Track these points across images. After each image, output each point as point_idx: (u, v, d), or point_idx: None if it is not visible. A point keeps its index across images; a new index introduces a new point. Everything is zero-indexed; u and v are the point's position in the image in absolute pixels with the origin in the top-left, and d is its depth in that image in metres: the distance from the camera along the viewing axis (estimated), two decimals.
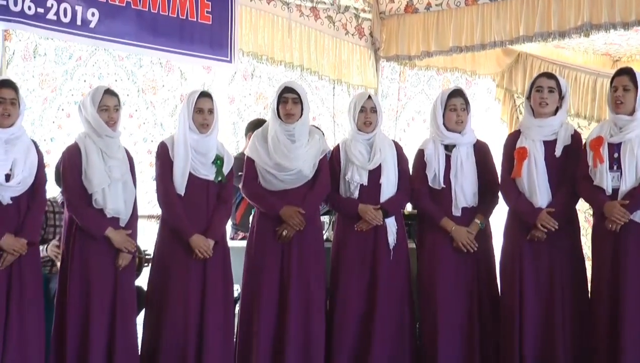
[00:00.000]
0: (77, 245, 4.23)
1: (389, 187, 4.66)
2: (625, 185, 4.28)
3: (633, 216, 4.25)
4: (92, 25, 5.38)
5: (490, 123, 8.12)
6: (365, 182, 4.64)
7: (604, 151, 4.33)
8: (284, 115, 4.56)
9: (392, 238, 4.64)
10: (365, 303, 4.59)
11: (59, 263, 4.44)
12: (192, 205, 4.40)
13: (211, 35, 6.06)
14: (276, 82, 6.83)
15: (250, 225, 4.80)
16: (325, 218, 4.95)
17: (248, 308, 4.53)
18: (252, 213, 4.92)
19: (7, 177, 4.05)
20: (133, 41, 5.64)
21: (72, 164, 4.26)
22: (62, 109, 5.74)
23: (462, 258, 4.60)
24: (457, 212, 4.62)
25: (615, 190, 4.30)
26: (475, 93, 8.08)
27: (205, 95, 4.50)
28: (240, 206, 5.47)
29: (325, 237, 4.86)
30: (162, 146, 4.48)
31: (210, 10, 6.03)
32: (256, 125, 5.39)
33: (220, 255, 4.44)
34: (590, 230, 4.57)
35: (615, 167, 4.32)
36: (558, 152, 4.51)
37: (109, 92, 4.35)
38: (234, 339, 4.57)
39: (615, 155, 4.32)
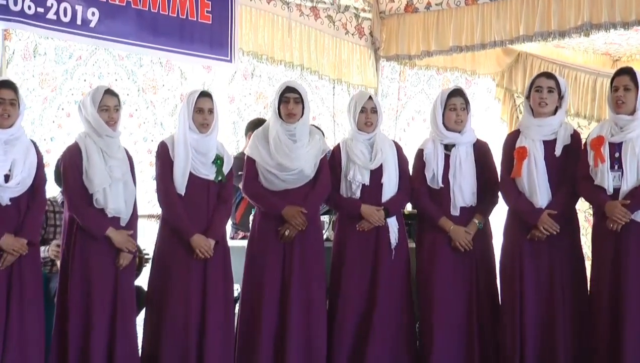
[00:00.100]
0: (77, 245, 4.23)
1: (390, 186, 4.66)
2: (627, 184, 4.28)
3: (634, 216, 4.25)
4: (92, 24, 5.37)
5: (490, 122, 8.12)
6: (367, 181, 4.64)
7: (605, 151, 4.33)
8: (286, 115, 4.56)
9: (394, 237, 4.64)
10: (366, 303, 4.60)
11: (59, 264, 4.44)
12: (193, 205, 4.40)
13: (211, 35, 6.05)
14: (276, 81, 6.83)
15: (250, 224, 4.81)
16: (324, 218, 4.95)
17: (249, 308, 4.53)
18: (252, 212, 4.93)
19: (6, 178, 4.05)
20: (133, 41, 5.63)
21: (72, 164, 4.26)
22: (62, 109, 5.73)
23: (460, 258, 4.61)
24: (455, 212, 4.62)
25: (616, 190, 4.30)
26: (475, 92, 8.07)
27: (205, 95, 4.50)
28: (240, 206, 5.48)
29: (325, 236, 4.87)
30: (163, 146, 4.47)
31: (210, 9, 6.03)
32: (256, 124, 5.39)
33: (220, 255, 4.45)
34: (590, 230, 4.57)
35: (616, 167, 4.32)
36: (558, 151, 4.51)
37: (109, 92, 4.35)
38: (234, 338, 4.58)
39: (617, 154, 4.32)
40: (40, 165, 4.22)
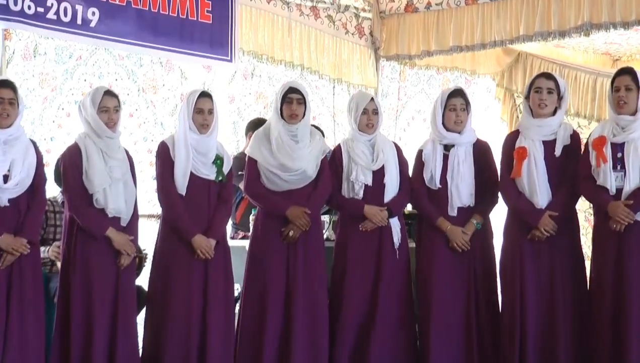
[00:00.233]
0: (78, 245, 4.23)
1: (392, 187, 4.67)
2: (630, 185, 4.28)
3: (637, 216, 4.25)
4: (92, 24, 5.36)
5: (489, 122, 8.11)
6: (370, 182, 4.64)
7: (607, 151, 4.32)
8: (289, 115, 4.56)
9: (397, 237, 4.65)
10: (368, 303, 4.60)
11: (59, 264, 4.44)
12: (194, 205, 4.40)
13: (211, 35, 6.05)
14: (276, 81, 6.83)
15: (250, 224, 4.81)
16: (324, 218, 4.95)
17: (253, 308, 4.52)
18: (252, 213, 4.93)
19: (5, 178, 4.05)
20: (133, 40, 5.63)
21: (72, 164, 4.26)
22: (62, 108, 5.73)
23: (458, 258, 4.61)
24: (452, 212, 4.63)
25: (619, 190, 4.30)
26: (474, 92, 8.07)
27: (205, 95, 4.50)
28: (241, 206, 5.48)
29: (325, 236, 4.87)
30: (163, 146, 4.47)
31: (210, 9, 6.02)
32: (256, 124, 5.39)
33: (221, 255, 4.45)
34: (590, 230, 4.58)
35: (618, 167, 4.32)
36: (558, 151, 4.52)
37: (108, 93, 4.35)
38: (234, 338, 4.58)
39: (619, 154, 4.33)
40: (40, 165, 4.22)
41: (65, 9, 5.24)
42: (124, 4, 5.55)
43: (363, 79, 7.30)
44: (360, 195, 4.65)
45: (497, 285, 4.70)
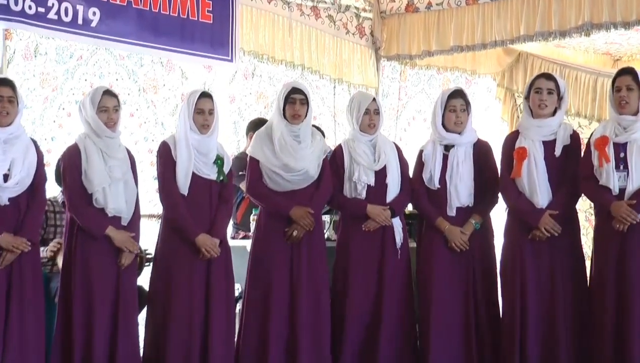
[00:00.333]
0: (78, 245, 4.23)
1: (394, 187, 4.68)
2: (633, 185, 4.28)
3: None
4: (93, 24, 5.36)
5: (489, 122, 8.11)
6: (372, 183, 4.64)
7: (610, 151, 4.32)
8: (291, 116, 4.57)
9: (399, 237, 4.66)
10: (372, 303, 4.61)
11: (59, 260, 4.44)
12: (196, 205, 4.40)
13: (212, 35, 6.05)
14: (277, 81, 6.83)
15: (253, 224, 4.81)
16: (325, 218, 4.95)
17: (256, 308, 4.52)
18: (253, 213, 4.93)
19: (5, 178, 4.05)
20: (134, 40, 5.62)
21: (71, 164, 4.26)
22: (63, 108, 5.74)
23: (457, 258, 4.62)
24: (451, 212, 4.63)
25: (622, 190, 4.30)
26: (475, 92, 8.07)
27: (205, 95, 4.50)
28: (241, 206, 5.48)
29: (325, 236, 4.87)
30: (164, 146, 4.47)
31: (211, 9, 6.02)
32: (257, 124, 5.39)
33: (222, 255, 4.45)
34: (590, 230, 4.58)
35: (621, 167, 4.32)
36: (558, 151, 4.52)
37: (108, 93, 4.35)
38: (235, 338, 4.58)
39: (622, 154, 4.32)
40: (40, 164, 4.21)
41: (66, 9, 5.24)
42: (125, 4, 5.55)
43: (364, 79, 7.30)
44: (363, 195, 4.65)
45: (497, 285, 4.70)
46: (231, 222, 5.31)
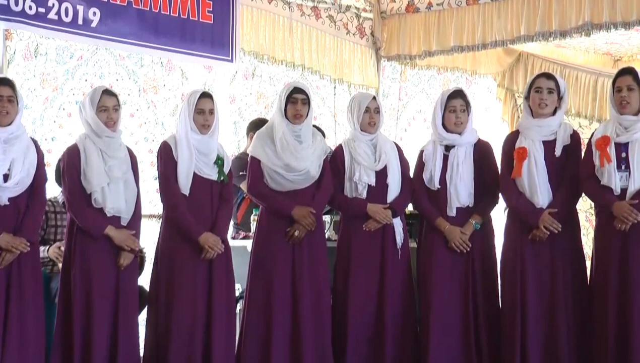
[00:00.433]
0: (78, 246, 4.23)
1: (395, 187, 4.68)
2: (634, 185, 4.28)
3: None
4: (93, 24, 5.37)
5: (490, 122, 8.11)
6: (373, 183, 4.64)
7: (611, 151, 4.32)
8: (293, 115, 4.57)
9: (399, 237, 4.66)
10: (375, 303, 4.61)
11: (59, 264, 4.43)
12: (197, 205, 4.40)
13: (212, 35, 6.05)
14: (277, 81, 6.83)
15: (254, 225, 4.81)
16: (326, 218, 4.95)
17: (258, 308, 4.51)
18: (254, 213, 4.93)
19: (5, 178, 4.04)
20: (134, 41, 5.63)
21: (71, 165, 4.26)
22: (63, 109, 5.73)
23: (458, 258, 4.62)
24: (451, 213, 4.63)
25: (623, 190, 4.30)
26: (475, 92, 8.07)
27: (206, 95, 4.50)
28: (242, 206, 5.48)
29: (326, 236, 4.87)
30: (165, 146, 4.47)
31: (211, 9, 6.02)
32: (257, 124, 5.39)
33: (223, 255, 4.45)
34: (590, 230, 4.57)
35: (623, 167, 4.32)
36: (558, 151, 4.52)
37: (107, 93, 4.35)
38: (236, 337, 4.58)
39: (623, 154, 4.32)
40: (40, 164, 4.21)
41: (67, 9, 5.24)
42: (125, 4, 5.55)
43: (364, 79, 7.30)
44: (364, 195, 4.66)
45: (497, 285, 4.70)
46: (232, 222, 5.31)
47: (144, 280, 4.58)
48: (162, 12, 5.75)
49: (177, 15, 5.84)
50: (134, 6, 5.59)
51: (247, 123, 6.15)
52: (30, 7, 5.06)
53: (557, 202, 4.47)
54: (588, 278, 4.58)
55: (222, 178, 4.49)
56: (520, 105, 8.01)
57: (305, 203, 4.52)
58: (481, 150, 4.73)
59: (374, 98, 4.78)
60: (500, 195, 4.69)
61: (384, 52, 7.35)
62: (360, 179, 4.65)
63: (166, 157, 4.43)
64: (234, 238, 5.30)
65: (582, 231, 4.75)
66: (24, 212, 4.10)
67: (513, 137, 4.70)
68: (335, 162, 4.72)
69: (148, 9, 5.67)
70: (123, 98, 4.82)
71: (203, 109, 4.43)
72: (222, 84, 6.55)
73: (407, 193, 4.73)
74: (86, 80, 5.83)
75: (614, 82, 4.44)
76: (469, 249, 4.60)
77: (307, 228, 4.52)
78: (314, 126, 4.91)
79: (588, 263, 4.62)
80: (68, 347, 4.19)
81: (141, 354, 4.44)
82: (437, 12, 6.94)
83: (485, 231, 4.68)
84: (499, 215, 4.86)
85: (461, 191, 4.62)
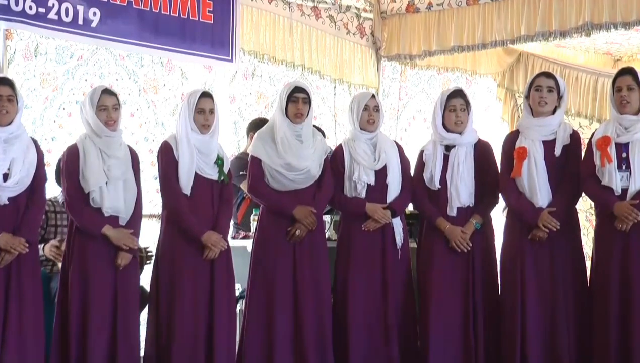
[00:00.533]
0: (76, 246, 4.23)
1: (394, 186, 4.68)
2: (635, 185, 4.28)
3: None
4: (93, 24, 5.37)
5: (489, 122, 8.12)
6: (372, 182, 4.64)
7: (612, 151, 4.32)
8: (294, 115, 4.57)
9: (399, 237, 4.66)
10: (373, 302, 4.60)
11: (59, 264, 4.43)
12: (198, 205, 4.40)
13: (212, 35, 6.05)
14: (277, 81, 6.83)
15: (254, 225, 4.81)
16: (326, 218, 4.95)
17: (259, 308, 4.51)
18: (254, 213, 4.93)
19: (5, 177, 4.04)
20: (134, 40, 5.63)
21: (69, 165, 4.26)
22: (63, 108, 5.73)
23: (458, 258, 4.61)
24: (452, 212, 4.63)
25: (624, 190, 4.30)
26: (475, 92, 8.07)
27: (206, 95, 4.50)
28: (242, 206, 5.48)
29: (326, 236, 4.87)
30: (166, 145, 4.46)
31: (211, 9, 6.02)
32: (258, 124, 5.39)
33: (224, 255, 4.45)
34: (590, 230, 4.57)
35: (624, 167, 4.32)
36: (558, 151, 4.52)
37: (107, 92, 4.34)
38: (236, 337, 4.58)
39: (624, 154, 4.32)
40: (40, 164, 4.20)
41: (67, 9, 5.24)
42: (125, 4, 5.55)
43: (364, 79, 7.30)
44: (363, 195, 4.65)
45: (497, 285, 4.69)
46: (232, 222, 5.31)
47: (144, 280, 4.57)
48: (162, 12, 5.75)
49: (177, 15, 5.85)
50: (134, 6, 5.59)
51: (247, 123, 6.15)
52: (30, 7, 5.06)
53: (557, 202, 4.47)
54: (588, 278, 4.57)
55: (222, 178, 4.49)
56: (520, 105, 8.01)
57: (306, 202, 4.52)
58: (481, 150, 4.73)
59: (374, 96, 4.78)
60: (500, 195, 4.69)
61: (384, 52, 7.36)
62: (359, 178, 4.64)
63: (167, 157, 4.43)
64: (234, 238, 5.29)
65: (582, 231, 4.75)
66: (24, 211, 4.10)
67: (513, 136, 4.70)
68: (335, 161, 4.72)
69: (148, 8, 5.67)
70: (123, 98, 4.82)
71: (203, 109, 4.43)
72: (222, 83, 6.54)
73: (407, 193, 4.73)
74: (86, 80, 5.82)
75: (613, 81, 4.44)
76: (469, 249, 4.59)
77: (308, 228, 4.52)
78: (314, 126, 4.92)
79: (588, 264, 4.62)
80: (66, 346, 4.18)
81: (141, 354, 4.43)
82: (437, 12, 6.94)
83: (485, 231, 4.68)
84: (498, 215, 4.86)
85: (462, 191, 4.62)
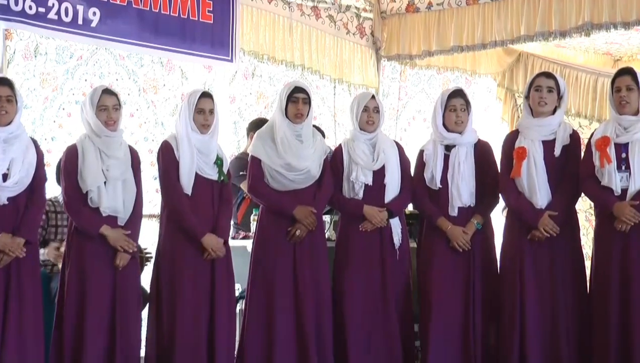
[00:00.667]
0: (74, 246, 4.23)
1: (393, 187, 4.68)
2: (635, 185, 4.28)
3: None
4: (93, 24, 5.37)
5: (489, 122, 8.12)
6: (370, 182, 4.64)
7: (611, 151, 4.32)
8: (294, 115, 4.57)
9: (397, 238, 4.66)
10: (372, 303, 4.60)
11: (60, 264, 4.43)
12: (199, 205, 4.40)
13: (212, 35, 6.05)
14: (277, 81, 6.83)
15: (254, 225, 4.81)
16: (325, 218, 4.95)
17: (260, 308, 4.51)
18: (254, 213, 4.93)
19: (4, 177, 4.04)
20: (134, 40, 5.63)
21: (68, 165, 4.26)
22: (63, 108, 5.73)
23: (458, 258, 4.61)
24: (453, 212, 4.63)
25: (623, 191, 4.29)
26: (475, 92, 8.07)
27: (206, 95, 4.50)
28: (242, 206, 5.48)
29: (326, 236, 4.87)
30: (167, 145, 4.46)
31: (211, 9, 6.03)
32: (257, 124, 5.39)
33: (225, 255, 4.44)
34: (590, 230, 4.57)
35: (623, 167, 4.32)
36: (557, 151, 4.52)
37: (107, 92, 4.34)
38: (236, 337, 4.59)
39: (623, 155, 4.32)
40: (40, 164, 4.20)
41: (66, 9, 5.24)
42: (125, 4, 5.55)
43: (364, 79, 7.31)
44: (361, 195, 4.65)
45: (497, 285, 4.69)
46: (232, 222, 5.31)
47: (144, 280, 4.57)
48: (162, 12, 5.75)
49: (177, 15, 5.85)
50: (133, 6, 5.59)
51: (247, 123, 6.15)
52: (30, 7, 5.06)
53: (557, 203, 4.47)
54: (587, 279, 4.57)
55: (222, 178, 4.49)
56: (520, 105, 8.01)
57: (306, 202, 4.52)
58: (482, 150, 4.73)
59: (373, 97, 4.78)
60: (500, 195, 4.69)
61: (384, 52, 7.36)
62: (356, 179, 4.64)
63: (168, 157, 4.42)
64: (234, 238, 5.29)
65: (582, 231, 4.75)
66: (23, 211, 4.10)
67: (512, 136, 4.70)
68: (334, 161, 4.72)
69: (148, 8, 5.67)
70: (123, 98, 4.81)
71: (203, 109, 4.43)
72: (222, 83, 6.55)
73: (406, 193, 4.72)
74: (86, 80, 5.83)
75: (612, 82, 4.44)
76: (469, 248, 4.59)
77: (309, 228, 4.52)
78: (314, 126, 4.92)
79: (587, 264, 4.62)
80: (63, 347, 4.17)
81: (142, 354, 4.43)
82: (437, 12, 6.95)
83: (485, 231, 4.68)
84: (498, 215, 4.86)
85: (463, 191, 4.62)
